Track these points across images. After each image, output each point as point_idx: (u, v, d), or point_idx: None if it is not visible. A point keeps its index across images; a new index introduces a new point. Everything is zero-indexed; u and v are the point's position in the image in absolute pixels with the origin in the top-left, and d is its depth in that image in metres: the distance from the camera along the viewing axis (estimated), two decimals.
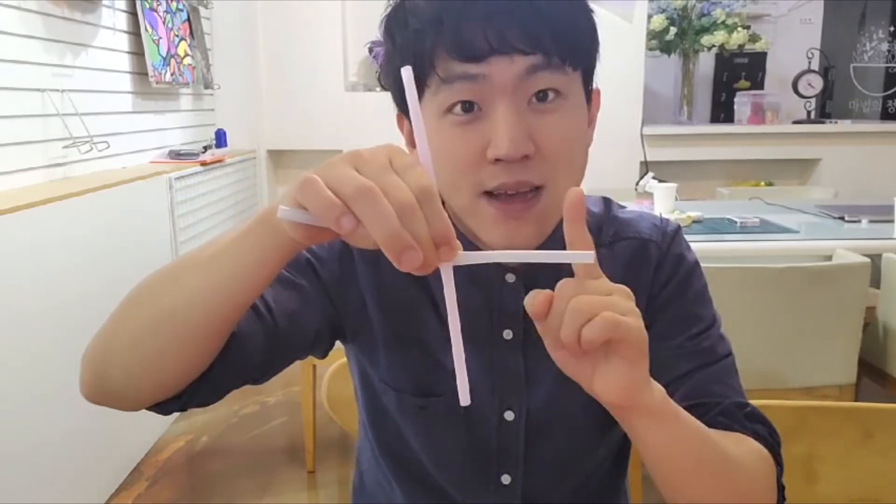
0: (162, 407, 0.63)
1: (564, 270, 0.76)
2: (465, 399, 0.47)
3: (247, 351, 0.64)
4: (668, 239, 0.78)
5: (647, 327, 0.74)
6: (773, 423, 0.88)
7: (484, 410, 0.76)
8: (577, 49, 0.66)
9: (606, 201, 0.82)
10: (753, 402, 0.95)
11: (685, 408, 0.68)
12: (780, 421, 0.95)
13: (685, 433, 0.61)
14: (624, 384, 0.55)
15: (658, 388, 0.59)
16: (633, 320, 0.53)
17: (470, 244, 0.71)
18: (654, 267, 0.77)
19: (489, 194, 0.66)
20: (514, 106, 0.63)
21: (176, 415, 2.64)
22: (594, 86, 0.73)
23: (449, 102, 0.65)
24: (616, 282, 0.74)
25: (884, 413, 0.94)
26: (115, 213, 2.21)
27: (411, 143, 0.73)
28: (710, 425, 0.65)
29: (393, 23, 0.68)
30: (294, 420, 2.65)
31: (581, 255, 0.50)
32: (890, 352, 2.04)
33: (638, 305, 0.75)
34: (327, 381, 1.12)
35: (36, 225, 1.81)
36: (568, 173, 0.67)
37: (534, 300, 0.54)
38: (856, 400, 2.04)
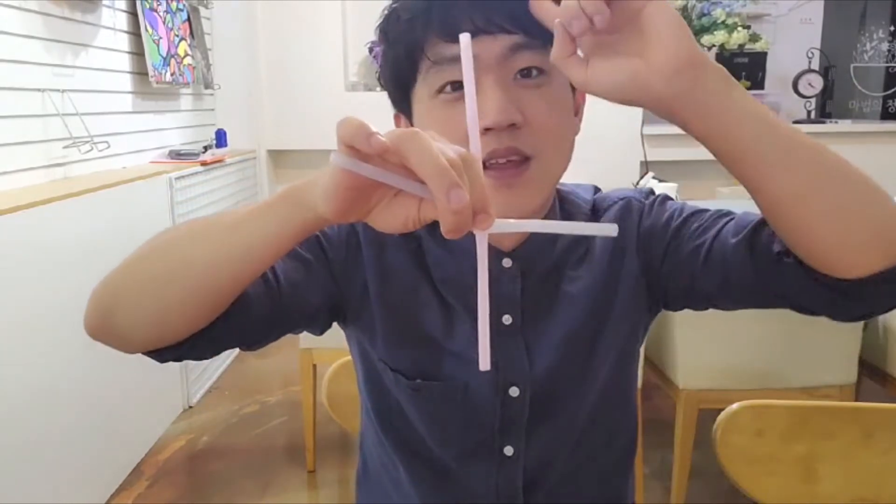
0: (159, 354, 0.65)
1: (553, 257, 0.79)
2: (485, 364, 0.47)
3: (249, 313, 0.66)
4: (645, 195, 0.82)
5: (662, 258, 0.77)
6: (774, 423, 0.88)
7: (486, 392, 0.78)
8: None
9: (595, 189, 0.86)
10: (753, 402, 0.96)
11: (744, 235, 0.69)
12: (780, 421, 0.96)
13: (768, 114, 0.57)
14: (677, 36, 0.53)
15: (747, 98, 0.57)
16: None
17: (460, 245, 0.74)
18: (637, 216, 0.80)
19: (482, 166, 0.68)
20: (499, 79, 0.68)
21: (176, 414, 2.66)
22: None
23: (440, 83, 0.69)
24: (608, 246, 0.79)
25: (884, 413, 0.94)
26: (116, 213, 2.22)
27: None
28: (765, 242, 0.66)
29: (387, 23, 0.74)
30: (294, 419, 2.65)
31: (605, 227, 0.50)
32: (890, 351, 2.04)
33: (628, 258, 0.78)
34: (327, 381, 1.12)
35: (36, 225, 1.81)
36: (555, 147, 0.71)
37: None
38: (856, 400, 2.04)
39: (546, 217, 0.77)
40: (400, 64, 0.72)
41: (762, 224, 0.68)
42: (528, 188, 0.70)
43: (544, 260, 0.78)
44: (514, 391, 0.78)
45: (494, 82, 0.68)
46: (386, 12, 0.74)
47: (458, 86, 0.68)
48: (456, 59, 0.67)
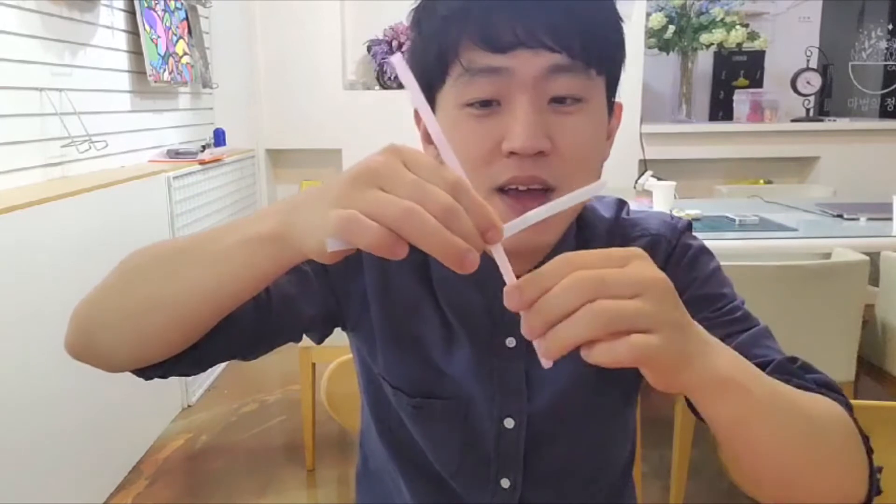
0: (143, 372, 0.64)
1: None
2: (547, 361, 0.45)
3: (236, 329, 0.64)
4: (678, 234, 0.77)
5: None
6: None
7: (482, 418, 0.76)
8: (604, 54, 0.66)
9: (619, 205, 0.80)
10: None
11: None
12: None
13: (760, 401, 0.51)
14: (652, 379, 0.47)
15: (720, 355, 0.50)
16: (665, 337, 0.44)
17: None
18: (663, 260, 0.75)
19: (500, 192, 0.65)
20: (533, 101, 0.63)
21: (175, 413, 2.66)
22: (618, 99, 0.72)
23: (468, 97, 0.65)
24: None
25: (883, 411, 0.94)
26: (114, 212, 2.21)
27: (427, 139, 0.72)
28: None
29: (422, 13, 0.68)
30: (293, 418, 2.65)
31: (594, 187, 0.47)
32: (888, 350, 2.05)
33: None
34: (327, 380, 1.11)
35: (33, 225, 1.81)
36: (582, 178, 0.65)
37: (523, 294, 0.46)
38: (854, 398, 2.04)
39: (560, 244, 0.71)
40: (429, 63, 0.67)
41: None
42: (547, 223, 0.64)
43: None
44: (508, 422, 0.76)
45: (527, 104, 0.62)
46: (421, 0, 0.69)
47: (487, 102, 0.64)
48: (490, 71, 0.63)
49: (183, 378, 2.70)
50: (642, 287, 0.44)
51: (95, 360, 0.63)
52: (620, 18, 0.68)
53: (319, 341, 0.79)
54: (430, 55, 0.66)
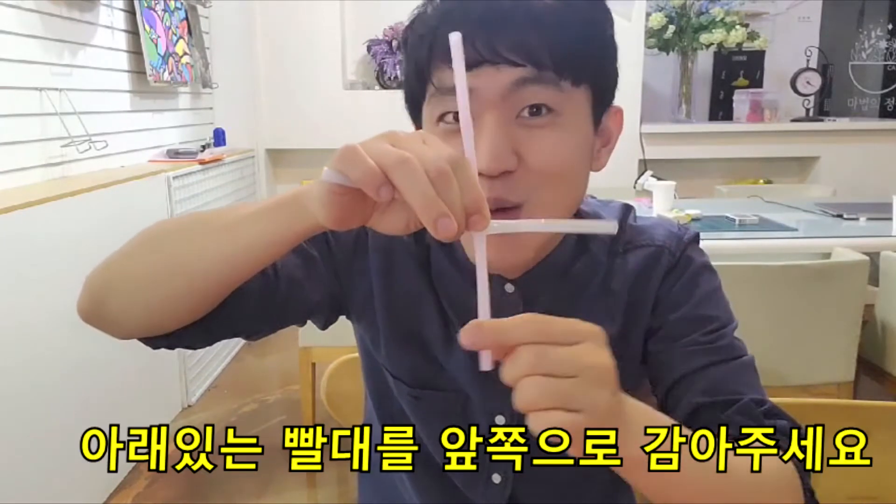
0: (151, 341, 0.66)
1: (563, 287, 0.74)
2: (486, 364, 0.48)
3: (243, 306, 0.66)
4: (682, 246, 0.76)
5: (654, 331, 0.74)
6: None
7: (477, 413, 0.77)
8: (579, 63, 0.64)
9: (625, 210, 0.79)
10: None
11: (701, 406, 0.67)
12: None
13: (682, 475, 0.53)
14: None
15: (646, 434, 0.52)
16: (588, 418, 0.46)
17: (469, 262, 0.70)
18: (664, 272, 0.75)
19: None
20: (499, 119, 0.62)
21: (175, 413, 2.65)
22: (615, 104, 0.71)
23: (440, 111, 0.65)
24: (625, 291, 0.75)
25: (882, 411, 0.94)
26: (114, 212, 2.21)
27: None
28: (726, 424, 0.64)
29: (409, 31, 0.69)
30: (293, 418, 2.64)
31: (604, 225, 0.49)
32: (888, 349, 2.05)
33: (643, 315, 0.75)
34: (326, 379, 1.12)
35: (33, 224, 1.81)
36: (554, 191, 0.65)
37: (481, 338, 0.48)
38: (854, 398, 2.04)
39: (558, 248, 0.72)
40: (411, 81, 0.69)
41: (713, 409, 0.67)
42: (519, 238, 0.65)
43: (551, 290, 0.74)
44: (500, 420, 0.77)
45: (494, 122, 0.61)
46: (415, 13, 0.69)
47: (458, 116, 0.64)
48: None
49: (183, 378, 2.70)
50: (580, 369, 0.46)
51: (106, 325, 0.65)
52: (605, 20, 0.66)
53: (323, 327, 0.80)
54: (410, 74, 0.68)
